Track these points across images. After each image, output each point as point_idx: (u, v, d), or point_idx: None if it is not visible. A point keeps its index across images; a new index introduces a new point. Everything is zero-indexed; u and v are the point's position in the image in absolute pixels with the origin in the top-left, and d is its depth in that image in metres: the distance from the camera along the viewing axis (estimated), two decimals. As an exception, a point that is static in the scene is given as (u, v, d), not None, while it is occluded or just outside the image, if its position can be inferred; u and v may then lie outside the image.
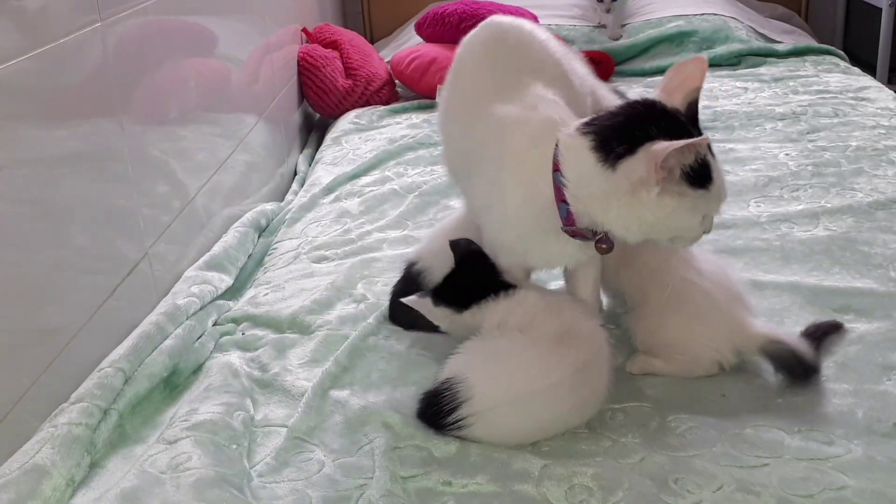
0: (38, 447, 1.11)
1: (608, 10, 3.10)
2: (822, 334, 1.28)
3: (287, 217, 2.01)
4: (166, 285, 1.58)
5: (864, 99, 2.43)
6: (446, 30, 2.93)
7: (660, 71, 2.79)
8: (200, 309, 1.53)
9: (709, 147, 1.10)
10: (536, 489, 1.08)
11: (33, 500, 1.04)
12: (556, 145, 1.15)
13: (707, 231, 1.15)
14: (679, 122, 1.11)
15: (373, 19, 3.75)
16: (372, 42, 3.51)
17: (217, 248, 1.76)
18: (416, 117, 2.64)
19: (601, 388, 1.20)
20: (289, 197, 2.27)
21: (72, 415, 1.18)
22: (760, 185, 1.91)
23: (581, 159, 1.12)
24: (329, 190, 2.13)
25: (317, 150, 2.59)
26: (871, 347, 1.31)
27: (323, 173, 2.26)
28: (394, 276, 1.60)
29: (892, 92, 2.51)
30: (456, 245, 1.31)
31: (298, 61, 2.78)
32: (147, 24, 1.60)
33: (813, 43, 3.12)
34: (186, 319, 1.47)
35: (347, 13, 3.74)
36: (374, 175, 2.19)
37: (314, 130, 2.90)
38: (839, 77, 2.67)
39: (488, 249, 1.29)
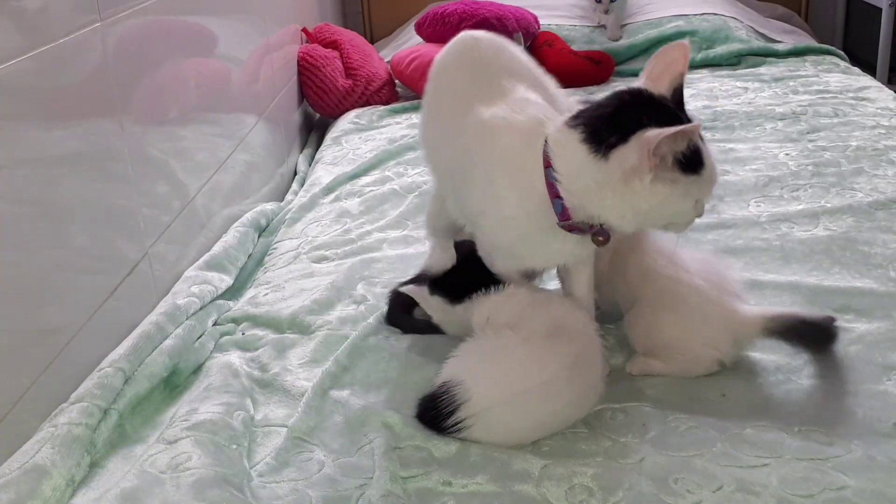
0: (38, 447, 1.11)
1: (606, 11, 3.09)
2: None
3: (287, 217, 2.01)
4: (166, 285, 1.58)
5: (864, 99, 2.43)
6: (446, 30, 2.93)
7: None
8: (200, 309, 1.53)
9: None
10: (536, 489, 1.08)
11: (33, 500, 1.04)
12: (546, 142, 1.16)
13: (699, 215, 1.16)
14: (667, 108, 1.12)
15: (373, 19, 3.75)
16: (372, 42, 3.51)
17: (217, 248, 1.76)
18: (416, 117, 2.63)
19: (596, 380, 1.20)
20: (289, 197, 2.27)
21: (72, 415, 1.18)
22: (760, 184, 1.91)
23: (572, 152, 1.12)
24: (329, 190, 2.13)
25: (317, 150, 2.59)
26: (871, 347, 1.31)
27: (323, 173, 2.26)
28: (394, 277, 1.60)
29: (892, 92, 2.51)
30: (460, 245, 1.32)
31: (298, 61, 2.78)
32: (147, 24, 1.60)
33: (813, 43, 3.12)
34: (186, 319, 1.47)
35: (347, 13, 3.74)
36: (374, 175, 2.19)
37: (314, 130, 2.90)
38: (839, 77, 2.67)
39: (484, 255, 1.29)
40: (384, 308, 1.49)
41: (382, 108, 2.76)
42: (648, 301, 1.29)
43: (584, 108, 1.16)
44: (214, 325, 1.54)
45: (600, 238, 1.17)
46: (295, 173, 2.51)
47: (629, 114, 1.11)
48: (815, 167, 1.97)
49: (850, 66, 2.86)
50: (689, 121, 1.12)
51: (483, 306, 1.27)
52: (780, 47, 3.00)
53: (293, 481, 1.13)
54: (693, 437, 1.15)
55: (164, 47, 1.69)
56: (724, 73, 2.84)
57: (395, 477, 1.11)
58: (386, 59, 3.04)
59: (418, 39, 3.07)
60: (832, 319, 1.27)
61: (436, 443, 1.16)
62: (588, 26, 3.15)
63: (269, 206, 2.08)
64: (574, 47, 2.97)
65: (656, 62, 1.16)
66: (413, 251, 1.72)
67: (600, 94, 1.20)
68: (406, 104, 2.77)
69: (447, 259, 1.39)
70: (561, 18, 3.19)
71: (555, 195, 1.15)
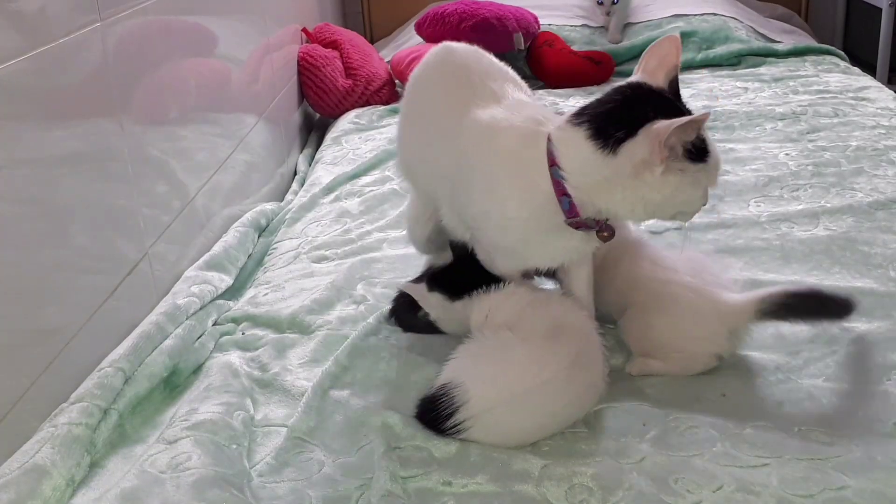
0: (38, 447, 1.11)
1: (608, 13, 3.09)
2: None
3: (287, 217, 2.01)
4: (166, 285, 1.58)
5: (864, 99, 2.43)
6: (446, 30, 2.93)
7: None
8: (200, 309, 1.53)
9: None
10: (536, 489, 1.08)
11: (33, 500, 1.04)
12: (549, 140, 1.16)
13: (704, 203, 1.17)
14: (668, 100, 1.14)
15: (373, 19, 3.75)
16: (372, 42, 3.51)
17: (217, 248, 1.76)
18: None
19: (597, 379, 1.20)
20: (289, 197, 2.27)
21: (72, 415, 1.18)
22: (760, 184, 1.91)
23: (579, 149, 1.13)
24: (329, 190, 2.13)
25: (317, 150, 2.59)
26: (871, 347, 1.31)
27: (323, 173, 2.26)
28: (394, 277, 1.60)
29: (892, 92, 2.51)
30: (457, 244, 1.32)
31: (298, 61, 2.78)
32: (147, 24, 1.60)
33: (813, 43, 3.12)
34: (186, 319, 1.47)
35: (347, 13, 3.74)
36: (374, 175, 2.19)
37: (314, 130, 2.90)
38: (839, 77, 2.67)
39: (485, 257, 1.29)
40: (384, 308, 1.49)
41: (382, 108, 2.76)
42: (639, 306, 1.30)
43: (587, 106, 1.17)
44: (214, 325, 1.54)
45: (605, 234, 1.19)
46: (295, 173, 2.51)
47: (633, 108, 1.12)
48: (815, 167, 1.97)
49: (850, 66, 2.86)
50: (688, 112, 1.13)
51: (482, 305, 1.27)
52: (780, 47, 3.00)
53: (293, 481, 1.13)
54: (693, 437, 1.15)
55: (164, 47, 1.69)
56: (724, 73, 2.84)
57: (395, 477, 1.11)
58: (386, 59, 3.04)
59: (418, 39, 3.07)
60: (819, 290, 1.29)
61: (436, 443, 1.16)
62: (588, 27, 3.15)
63: (269, 206, 2.08)
64: (574, 48, 2.96)
65: (650, 56, 1.17)
66: (413, 251, 1.72)
67: (600, 93, 1.20)
68: (406, 104, 2.76)
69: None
70: (561, 18, 3.19)
71: (562, 193, 1.15)
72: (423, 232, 1.43)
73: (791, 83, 2.64)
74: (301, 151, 2.67)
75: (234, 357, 1.41)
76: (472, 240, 1.31)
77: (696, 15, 3.12)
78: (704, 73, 2.86)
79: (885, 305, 1.41)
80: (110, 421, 1.22)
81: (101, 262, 1.38)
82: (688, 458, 1.11)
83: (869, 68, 3.01)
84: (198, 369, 1.39)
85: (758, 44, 3.00)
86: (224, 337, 1.49)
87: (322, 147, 2.54)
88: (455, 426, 1.15)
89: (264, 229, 2.00)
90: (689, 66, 2.90)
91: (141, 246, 1.50)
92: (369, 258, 1.72)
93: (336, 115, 2.75)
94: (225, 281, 1.67)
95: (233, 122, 2.07)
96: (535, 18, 3.03)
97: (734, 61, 2.93)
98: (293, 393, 1.32)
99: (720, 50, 2.95)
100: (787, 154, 2.07)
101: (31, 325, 1.19)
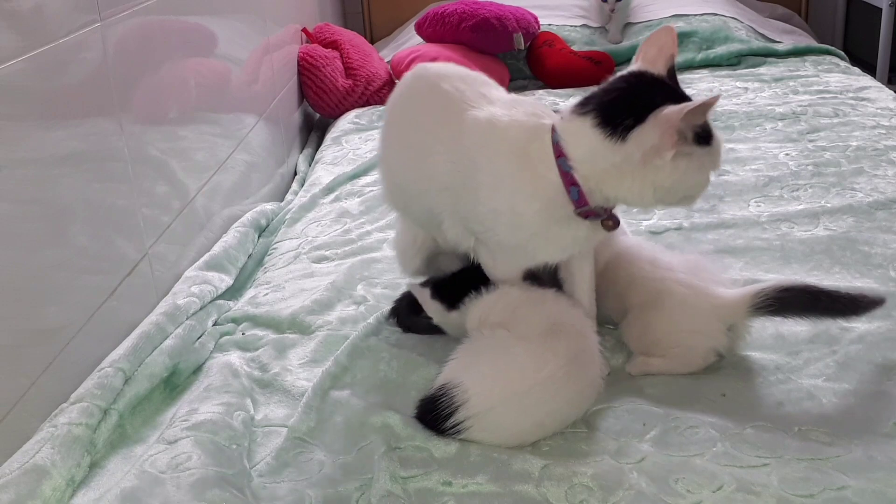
0: (38, 447, 1.11)
1: (612, 10, 3.09)
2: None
3: (287, 217, 2.01)
4: (166, 285, 1.58)
5: (864, 99, 2.43)
6: (446, 30, 2.93)
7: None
8: (200, 309, 1.53)
9: None
10: (536, 489, 1.08)
11: (33, 500, 1.04)
12: (553, 132, 1.17)
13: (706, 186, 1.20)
14: (671, 87, 1.16)
15: (373, 19, 3.75)
16: (372, 42, 3.52)
17: (217, 248, 1.76)
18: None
19: (595, 376, 1.21)
20: (289, 197, 2.27)
21: (72, 415, 1.18)
22: (760, 184, 1.91)
23: (586, 138, 1.15)
24: (329, 190, 2.13)
25: (317, 150, 2.59)
26: (871, 347, 1.31)
27: (323, 173, 2.26)
28: (394, 278, 1.60)
29: (892, 92, 2.51)
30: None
31: (298, 61, 2.78)
32: (147, 24, 1.60)
33: (813, 43, 3.12)
34: (186, 319, 1.47)
35: (347, 13, 3.74)
36: (375, 175, 2.19)
37: (314, 130, 2.90)
38: (839, 77, 2.67)
39: (488, 264, 1.29)
40: (385, 308, 1.49)
41: (382, 108, 2.75)
42: (638, 307, 1.32)
43: (590, 95, 1.18)
44: (214, 325, 1.54)
45: (609, 223, 1.21)
46: (295, 173, 2.51)
47: (640, 95, 1.14)
48: (815, 167, 1.97)
49: (850, 66, 2.86)
50: (689, 98, 1.14)
51: (475, 309, 1.28)
52: (780, 47, 3.00)
53: (293, 481, 1.13)
54: (693, 437, 1.15)
55: (164, 47, 1.69)
56: (724, 73, 2.84)
57: (395, 477, 1.11)
58: (386, 59, 3.04)
59: (418, 39, 3.07)
60: (813, 286, 1.28)
61: (436, 443, 1.16)
62: (588, 27, 3.15)
63: (269, 206, 2.08)
64: (574, 48, 2.97)
65: (649, 46, 1.19)
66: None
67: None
68: (406, 104, 2.76)
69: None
70: (561, 18, 3.20)
71: (570, 183, 1.17)
72: (414, 260, 1.44)
73: (791, 83, 2.64)
74: (301, 151, 2.67)
75: (235, 357, 1.41)
76: (476, 247, 1.30)
77: (695, 15, 3.12)
78: (704, 73, 2.86)
79: (886, 305, 1.41)
80: (110, 421, 1.22)
81: (101, 262, 1.38)
82: (688, 458, 1.11)
83: (869, 68, 3.01)
84: (198, 369, 1.39)
85: (758, 44, 3.00)
86: (224, 337, 1.49)
87: (322, 147, 2.54)
88: (455, 426, 1.15)
89: (264, 229, 2.00)
90: (689, 66, 2.91)
91: (141, 246, 1.50)
92: (369, 258, 1.72)
93: (336, 115, 2.75)
94: (225, 281, 1.67)
95: (233, 122, 2.07)
96: (535, 18, 3.03)
97: (734, 61, 2.93)
98: (293, 393, 1.32)
99: (720, 50, 2.95)
100: (787, 154, 2.07)
101: (31, 325, 1.19)
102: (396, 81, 2.89)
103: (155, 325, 1.40)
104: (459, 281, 1.33)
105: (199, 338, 1.46)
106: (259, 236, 1.96)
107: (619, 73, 1.20)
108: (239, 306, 1.61)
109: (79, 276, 1.31)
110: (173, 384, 1.36)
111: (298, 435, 1.21)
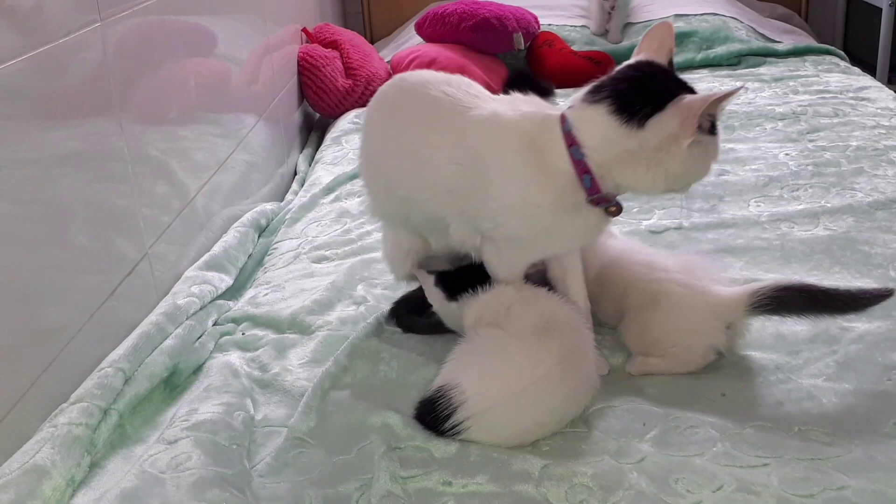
0: (38, 447, 1.11)
1: (613, 8, 3.09)
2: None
3: (287, 217, 2.01)
4: (166, 285, 1.58)
5: (864, 99, 2.43)
6: (446, 30, 2.93)
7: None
8: (200, 309, 1.53)
9: None
10: (536, 489, 1.08)
11: (33, 500, 1.04)
12: (563, 122, 1.19)
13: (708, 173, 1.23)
14: (678, 78, 1.19)
15: (373, 19, 3.75)
16: (372, 42, 3.52)
17: (217, 248, 1.76)
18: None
19: (590, 373, 1.21)
20: (289, 197, 2.27)
21: (72, 415, 1.18)
22: (760, 184, 1.91)
23: (601, 126, 1.17)
24: (329, 190, 2.13)
25: (317, 150, 2.59)
26: (871, 347, 1.31)
27: (323, 173, 2.26)
28: (393, 278, 1.60)
29: (892, 92, 2.51)
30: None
31: (298, 61, 2.78)
32: (147, 24, 1.60)
33: (813, 43, 3.12)
34: (186, 319, 1.47)
35: (347, 13, 3.74)
36: (374, 175, 2.19)
37: (314, 130, 2.90)
38: (839, 77, 2.67)
39: (493, 260, 1.29)
40: (385, 308, 1.49)
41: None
42: (635, 309, 1.32)
43: (600, 84, 1.20)
44: (214, 325, 1.54)
45: (613, 209, 1.23)
46: (295, 173, 2.51)
47: (654, 84, 1.17)
48: (815, 167, 1.97)
49: (850, 66, 2.86)
50: (694, 90, 1.18)
51: (472, 307, 1.29)
52: (780, 47, 3.00)
53: (293, 481, 1.13)
54: (693, 437, 1.15)
55: (164, 47, 1.69)
56: (724, 73, 2.84)
57: (395, 477, 1.11)
58: (386, 59, 3.04)
59: (418, 39, 3.07)
60: (811, 285, 1.28)
61: (436, 443, 1.16)
62: (588, 27, 3.15)
63: (269, 206, 2.08)
64: (574, 48, 2.97)
65: (650, 39, 1.23)
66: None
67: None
68: (406, 104, 2.76)
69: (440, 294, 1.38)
70: (561, 18, 3.20)
71: (583, 171, 1.18)
72: (404, 265, 1.44)
73: (791, 83, 2.64)
74: (301, 151, 2.67)
75: (235, 357, 1.41)
76: (481, 246, 1.30)
77: (696, 15, 3.12)
78: (704, 73, 2.86)
79: (885, 305, 1.40)
80: (110, 421, 1.22)
81: (101, 262, 1.38)
82: (688, 458, 1.11)
83: (869, 68, 3.01)
84: (198, 369, 1.39)
85: (758, 44, 3.00)
86: (224, 337, 1.50)
87: (322, 147, 2.54)
88: (454, 427, 1.15)
89: (264, 229, 2.00)
90: (689, 66, 2.91)
91: (141, 246, 1.50)
92: (369, 258, 1.72)
93: (336, 115, 2.75)
94: (225, 281, 1.67)
95: (233, 122, 2.07)
96: (535, 18, 3.03)
97: (734, 61, 2.93)
98: (293, 393, 1.32)
99: (720, 50, 2.95)
100: (787, 154, 2.08)
101: (31, 325, 1.19)
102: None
103: (155, 325, 1.40)
104: (465, 274, 1.33)
105: (199, 338, 1.46)
106: (259, 236, 1.96)
107: (626, 63, 1.22)
108: (239, 306, 1.61)
109: (79, 276, 1.31)
110: (173, 384, 1.36)
111: (298, 435, 1.21)
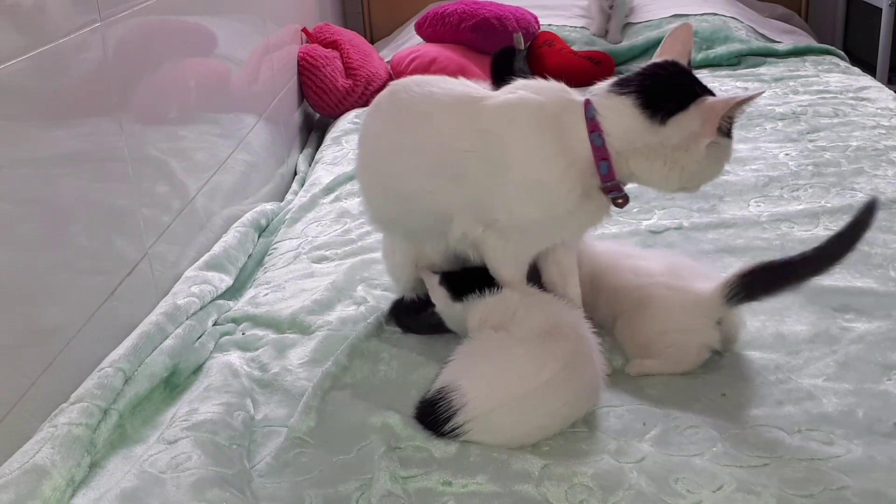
0: (38, 447, 1.11)
1: (611, 7, 3.09)
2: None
3: (287, 217, 2.01)
4: (166, 285, 1.58)
5: (864, 99, 2.44)
6: (446, 30, 2.93)
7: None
8: (200, 309, 1.53)
9: None
10: (536, 489, 1.08)
11: (33, 500, 1.04)
12: (587, 107, 1.21)
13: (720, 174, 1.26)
14: (699, 80, 1.22)
15: (373, 19, 3.75)
16: (372, 42, 3.51)
17: (217, 248, 1.76)
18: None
19: (594, 377, 1.20)
20: (289, 197, 2.27)
21: (72, 415, 1.18)
22: (760, 184, 1.91)
23: (626, 117, 1.19)
24: (329, 190, 2.13)
25: (317, 150, 2.59)
26: (871, 347, 1.31)
27: (323, 173, 2.26)
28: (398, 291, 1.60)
29: (892, 92, 2.51)
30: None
31: (298, 61, 2.78)
32: (147, 24, 1.60)
33: (813, 43, 3.12)
34: (186, 319, 1.47)
35: (347, 13, 3.74)
36: (374, 175, 2.19)
37: (314, 130, 2.90)
38: (839, 77, 2.67)
39: (496, 256, 1.29)
40: (385, 308, 1.49)
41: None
42: (626, 314, 1.34)
43: (628, 77, 1.22)
44: (214, 325, 1.54)
45: (620, 200, 1.24)
46: (295, 173, 2.51)
47: (679, 83, 1.20)
48: (815, 167, 1.97)
49: (850, 66, 2.86)
50: (713, 93, 1.20)
51: (476, 309, 1.28)
52: (780, 47, 3.00)
53: (293, 481, 1.13)
54: (693, 437, 1.15)
55: (164, 47, 1.69)
56: (723, 73, 2.84)
57: (395, 477, 1.11)
58: (386, 59, 3.04)
59: (418, 39, 3.07)
60: (768, 262, 1.27)
61: (436, 443, 1.16)
62: (588, 27, 3.15)
63: (269, 206, 2.08)
64: (574, 48, 2.97)
65: (673, 40, 1.26)
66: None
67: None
68: (406, 104, 2.76)
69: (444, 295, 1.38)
70: (561, 18, 3.20)
71: (601, 158, 1.20)
72: (409, 275, 1.43)
73: (791, 83, 2.64)
74: (301, 151, 2.67)
75: (235, 357, 1.41)
76: (484, 240, 1.29)
77: (696, 15, 3.12)
78: (704, 73, 2.86)
79: (885, 305, 1.41)
80: (110, 421, 1.22)
81: (101, 262, 1.38)
82: (688, 458, 1.11)
83: (869, 68, 3.01)
84: (198, 369, 1.39)
85: (758, 44, 3.00)
86: (224, 337, 1.50)
87: (322, 147, 2.54)
88: (454, 429, 1.15)
89: (264, 229, 2.00)
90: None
91: (141, 246, 1.50)
92: (369, 259, 1.72)
93: (336, 115, 2.75)
94: (225, 281, 1.67)
95: (233, 122, 2.07)
96: (535, 18, 3.03)
97: (734, 61, 2.93)
98: (293, 393, 1.32)
99: (720, 50, 2.95)
100: (787, 154, 2.08)
101: (31, 325, 1.19)
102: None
103: (155, 325, 1.40)
104: (470, 276, 1.33)
105: (199, 338, 1.46)
106: (259, 236, 1.96)
107: (654, 61, 1.24)
108: (239, 306, 1.61)
109: (79, 276, 1.31)
110: (173, 384, 1.36)
111: (298, 435, 1.21)
